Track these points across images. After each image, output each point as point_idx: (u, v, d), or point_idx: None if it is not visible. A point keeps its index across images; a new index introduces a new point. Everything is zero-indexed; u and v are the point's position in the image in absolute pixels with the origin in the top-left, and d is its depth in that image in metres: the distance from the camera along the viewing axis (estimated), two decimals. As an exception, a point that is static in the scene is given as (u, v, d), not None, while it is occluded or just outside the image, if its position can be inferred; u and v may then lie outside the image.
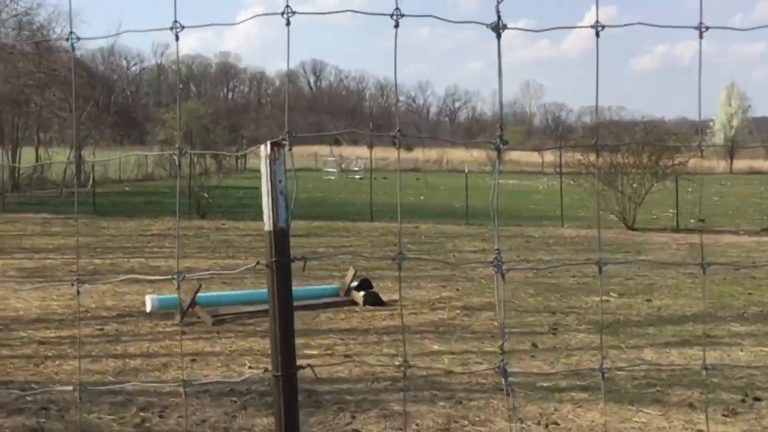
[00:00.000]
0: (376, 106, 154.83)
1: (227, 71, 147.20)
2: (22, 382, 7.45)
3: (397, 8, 2.11)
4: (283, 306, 2.55)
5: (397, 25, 2.16)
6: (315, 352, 8.87)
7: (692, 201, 32.65)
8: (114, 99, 43.03)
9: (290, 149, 2.51)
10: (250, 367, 8.16)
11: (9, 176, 32.55)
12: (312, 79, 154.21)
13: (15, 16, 29.59)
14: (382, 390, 7.48)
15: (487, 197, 36.52)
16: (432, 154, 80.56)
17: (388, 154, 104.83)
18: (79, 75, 34.86)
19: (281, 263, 2.54)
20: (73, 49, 2.65)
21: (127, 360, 8.34)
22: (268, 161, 2.53)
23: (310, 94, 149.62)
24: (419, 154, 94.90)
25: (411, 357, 8.62)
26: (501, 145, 2.38)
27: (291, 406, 2.54)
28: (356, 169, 57.87)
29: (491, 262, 2.54)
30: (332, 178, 53.06)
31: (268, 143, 2.51)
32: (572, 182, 23.97)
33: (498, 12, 2.06)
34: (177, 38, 2.51)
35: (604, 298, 12.28)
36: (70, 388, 6.94)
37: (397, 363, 8.37)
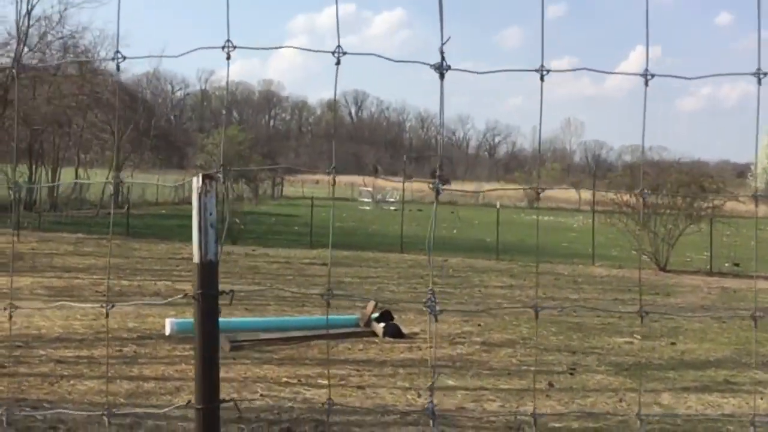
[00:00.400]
0: (416, 137, 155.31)
1: (270, 99, 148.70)
2: (34, 401, 7.51)
3: (338, 46, 2.13)
4: (207, 338, 2.55)
5: (338, 62, 2.18)
6: (327, 381, 8.85)
7: (728, 244, 32.24)
8: (155, 123, 43.61)
9: (224, 182, 2.53)
10: (261, 395, 8.16)
11: (48, 195, 33.08)
12: (353, 109, 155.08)
13: (61, 38, 30.21)
14: (391, 423, 7.44)
15: (520, 233, 36.39)
16: (469, 186, 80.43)
17: (425, 186, 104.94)
18: (121, 99, 35.46)
19: (207, 296, 2.54)
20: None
21: (141, 383, 8.38)
22: (199, 194, 2.54)
23: (351, 124, 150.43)
24: (456, 186, 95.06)
25: (424, 391, 8.58)
26: (440, 186, 2.37)
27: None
28: (391, 200, 57.93)
29: (424, 303, 2.51)
30: (367, 208, 53.18)
31: (200, 176, 2.53)
32: (607, 221, 23.80)
33: (442, 53, 2.07)
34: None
35: (627, 339, 12.12)
36: (99, 412, 6.99)
37: (409, 396, 8.33)
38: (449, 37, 2.06)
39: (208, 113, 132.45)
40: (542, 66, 2.51)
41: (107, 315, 3.11)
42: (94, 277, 16.03)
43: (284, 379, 8.82)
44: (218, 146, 43.32)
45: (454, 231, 36.71)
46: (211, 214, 2.52)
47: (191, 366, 9.16)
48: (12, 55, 27.21)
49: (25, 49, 28.33)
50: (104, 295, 14.06)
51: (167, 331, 10.25)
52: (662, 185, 23.39)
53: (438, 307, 2.54)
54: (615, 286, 18.80)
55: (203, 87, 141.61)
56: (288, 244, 25.15)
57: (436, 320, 2.53)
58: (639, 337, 12.34)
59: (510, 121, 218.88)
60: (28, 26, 27.85)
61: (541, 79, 2.52)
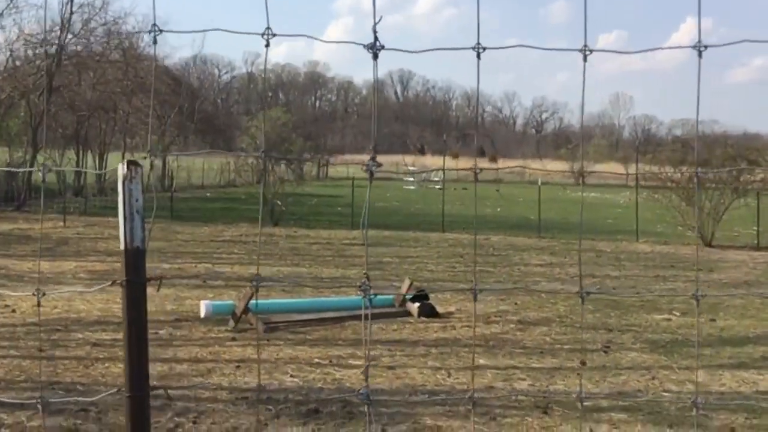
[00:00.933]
0: (463, 115, 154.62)
1: (315, 80, 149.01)
2: (68, 383, 7.67)
3: (268, 27, 2.12)
4: (134, 326, 2.53)
5: (267, 45, 2.17)
6: (359, 362, 8.89)
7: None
8: (198, 106, 43.95)
9: (151, 168, 2.53)
10: (291, 376, 8.23)
11: (95, 180, 33.58)
12: (399, 89, 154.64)
13: (104, 24, 30.55)
14: (419, 403, 7.45)
15: (564, 210, 36.10)
16: (513, 163, 79.95)
17: (471, 163, 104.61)
18: (165, 83, 35.83)
19: (134, 283, 2.53)
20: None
21: (173, 364, 8.50)
22: (123, 180, 2.53)
23: (397, 103, 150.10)
24: (503, 164, 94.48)
25: (454, 371, 8.58)
26: (373, 168, 2.36)
27: (140, 427, 2.52)
28: (436, 179, 57.76)
29: (359, 286, 2.50)
30: (412, 187, 53.13)
31: (125, 162, 2.54)
32: (652, 196, 23.47)
33: (375, 32, 2.05)
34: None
35: (666, 317, 11.98)
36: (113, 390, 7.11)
37: (438, 376, 8.34)
38: (381, 17, 2.05)
39: (254, 96, 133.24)
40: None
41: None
42: (136, 260, 16.25)
43: (316, 360, 8.89)
44: (260, 129, 43.46)
45: (498, 209, 36.58)
46: (137, 200, 2.51)
47: (224, 348, 9.29)
48: (57, 41, 27.57)
49: (69, 36, 28.70)
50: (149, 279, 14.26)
51: (202, 314, 10.36)
52: (708, 160, 23.00)
53: (372, 291, 2.51)
54: (658, 263, 18.55)
55: (249, 70, 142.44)
56: (330, 225, 25.25)
57: (371, 304, 2.51)
58: (678, 314, 12.19)
59: (557, 97, 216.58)
60: (71, 13, 28.19)
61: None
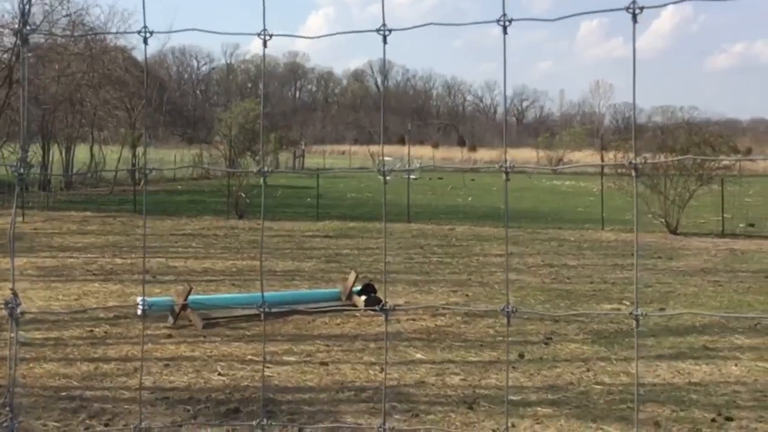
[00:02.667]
0: (443, 105, 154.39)
1: (295, 70, 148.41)
2: (-15, 385, 7.46)
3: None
4: None
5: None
6: (293, 359, 8.73)
7: (750, 205, 31.67)
8: (167, 98, 43.52)
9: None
10: (219, 374, 8.06)
11: (62, 175, 33.19)
12: (379, 79, 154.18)
13: (67, 15, 30.11)
14: (344, 401, 7.31)
15: (536, 199, 36.04)
16: (492, 154, 79.89)
17: (452, 154, 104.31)
18: (132, 75, 35.42)
19: None
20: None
21: (100, 364, 8.31)
22: None
23: (377, 93, 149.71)
24: (484, 154, 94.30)
25: (388, 365, 8.43)
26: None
27: None
28: (412, 169, 57.64)
29: (5, 304, 2.32)
30: (387, 177, 52.82)
31: None
32: (613, 185, 23.37)
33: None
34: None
35: (615, 306, 11.89)
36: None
37: (371, 372, 8.19)
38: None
39: (233, 87, 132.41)
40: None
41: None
42: (89, 255, 16.03)
43: (249, 357, 8.72)
44: (236, 119, 43.24)
45: (469, 198, 36.45)
46: None
47: (157, 346, 9.08)
48: (15, 33, 27.02)
49: (28, 28, 28.11)
50: (95, 274, 14.06)
51: (139, 311, 10.15)
52: (673, 147, 22.91)
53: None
54: (619, 251, 18.47)
55: (228, 61, 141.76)
56: (295, 216, 25.02)
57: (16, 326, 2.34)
58: (628, 303, 12.09)
59: (538, 86, 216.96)
60: (30, 4, 27.67)
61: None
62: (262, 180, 2.58)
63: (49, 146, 33.44)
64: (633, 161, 2.40)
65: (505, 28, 2.37)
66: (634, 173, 2.67)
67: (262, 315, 2.84)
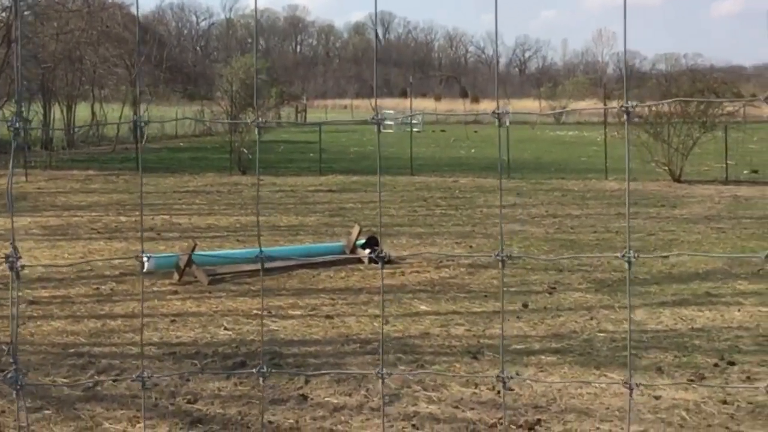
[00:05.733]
0: (445, 56, 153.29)
1: (295, 24, 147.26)
2: (-7, 343, 7.53)
3: None
4: None
5: None
6: (298, 312, 8.79)
7: (754, 152, 31.53)
8: (167, 54, 43.23)
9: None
10: (225, 329, 8.12)
11: (64, 133, 33.13)
12: (380, 31, 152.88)
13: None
14: (349, 353, 7.37)
15: (539, 150, 35.95)
16: (495, 106, 79.34)
17: (454, 106, 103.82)
18: (132, 32, 35.14)
19: None
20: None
21: (107, 321, 8.38)
22: None
23: (379, 46, 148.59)
24: (487, 106, 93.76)
25: (393, 318, 8.49)
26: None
27: None
28: (415, 122, 57.35)
29: (6, 258, 2.33)
30: (390, 131, 52.63)
31: None
32: (617, 134, 23.29)
33: None
34: None
35: (617, 254, 11.87)
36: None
37: (376, 324, 8.24)
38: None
39: (233, 43, 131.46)
40: None
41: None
42: (93, 214, 16.06)
43: (254, 312, 8.77)
44: (237, 75, 42.94)
45: (473, 150, 36.36)
46: None
47: (163, 302, 9.14)
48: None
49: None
50: (99, 233, 14.10)
51: (145, 268, 10.18)
52: (676, 94, 22.79)
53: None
54: (623, 200, 18.43)
55: (228, 16, 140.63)
56: (298, 171, 25.00)
57: (18, 278, 2.35)
58: (632, 252, 12.08)
59: (541, 35, 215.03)
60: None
61: None
62: (256, 131, 2.57)
63: (50, 105, 33.29)
64: (625, 105, 2.40)
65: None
66: (626, 117, 2.68)
67: (261, 266, 2.84)
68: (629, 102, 2.54)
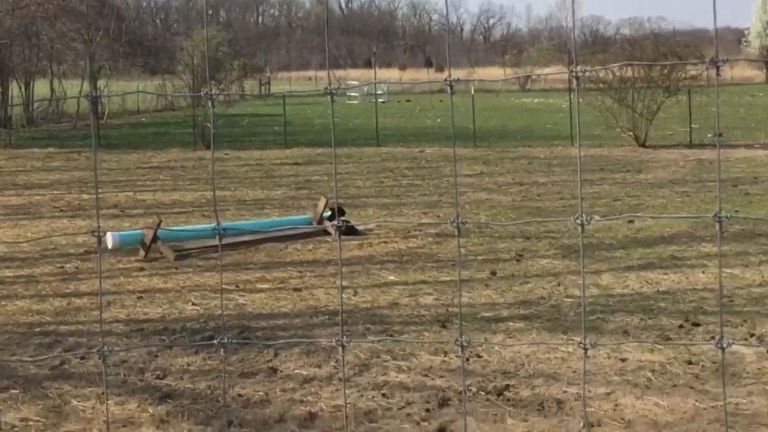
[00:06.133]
0: (409, 25, 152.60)
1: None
2: (-42, 325, 7.43)
3: None
4: None
5: None
6: (267, 286, 8.77)
7: (715, 115, 31.80)
8: (126, 27, 42.53)
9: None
10: (193, 304, 8.07)
11: (23, 111, 32.58)
12: (342, 1, 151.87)
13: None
14: (318, 325, 7.37)
15: (504, 118, 36.02)
16: (460, 74, 79.32)
17: (419, 75, 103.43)
18: (89, 4, 34.56)
19: None
20: None
21: (72, 299, 8.29)
22: None
23: (342, 16, 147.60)
24: (452, 74, 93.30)
25: (361, 289, 8.49)
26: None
27: None
28: (380, 92, 57.09)
29: None
30: (355, 102, 52.40)
31: None
32: (582, 100, 23.34)
33: None
34: None
35: (570, 218, 11.95)
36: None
37: (344, 296, 8.23)
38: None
39: (194, 14, 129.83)
40: None
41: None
42: (55, 192, 15.85)
43: (222, 286, 8.73)
44: (198, 47, 42.42)
45: (438, 120, 36.32)
46: None
47: (129, 279, 9.06)
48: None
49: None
50: (62, 211, 13.93)
51: (109, 245, 10.07)
52: (640, 58, 22.88)
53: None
54: (589, 167, 18.50)
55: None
56: (263, 145, 24.84)
57: None
58: (598, 217, 12.14)
59: (504, 2, 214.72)
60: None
61: None
62: (210, 103, 2.52)
63: (8, 82, 32.70)
64: (573, 69, 2.40)
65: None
66: (575, 82, 2.69)
67: (218, 239, 2.82)
68: (578, 67, 2.56)
